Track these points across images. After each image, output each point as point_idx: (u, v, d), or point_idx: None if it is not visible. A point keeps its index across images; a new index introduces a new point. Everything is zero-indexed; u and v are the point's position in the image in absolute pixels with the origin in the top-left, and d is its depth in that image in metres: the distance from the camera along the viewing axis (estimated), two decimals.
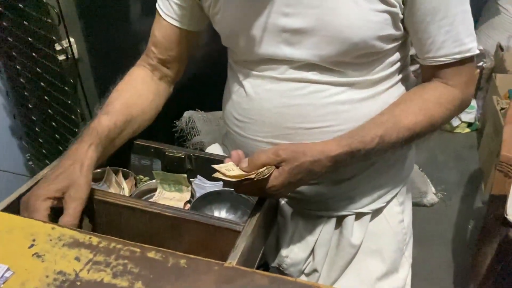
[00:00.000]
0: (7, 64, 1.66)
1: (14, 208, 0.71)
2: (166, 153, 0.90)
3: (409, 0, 0.73)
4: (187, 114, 1.50)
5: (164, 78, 0.94)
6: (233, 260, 0.62)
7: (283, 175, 0.69)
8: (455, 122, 2.50)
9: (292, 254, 0.92)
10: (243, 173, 0.69)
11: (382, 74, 0.81)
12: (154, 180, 0.91)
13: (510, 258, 1.24)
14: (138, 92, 0.90)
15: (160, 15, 0.88)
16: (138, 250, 0.61)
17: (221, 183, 0.88)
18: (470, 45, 0.76)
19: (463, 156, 2.36)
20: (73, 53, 1.31)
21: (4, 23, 1.50)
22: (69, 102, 1.41)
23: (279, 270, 0.94)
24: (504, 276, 1.23)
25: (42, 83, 1.49)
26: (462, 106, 0.82)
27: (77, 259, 0.60)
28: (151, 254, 0.61)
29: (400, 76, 0.85)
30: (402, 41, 0.81)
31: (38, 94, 1.58)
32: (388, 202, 0.92)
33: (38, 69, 1.46)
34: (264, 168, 0.68)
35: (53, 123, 1.58)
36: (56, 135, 1.61)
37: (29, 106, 1.67)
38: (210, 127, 1.42)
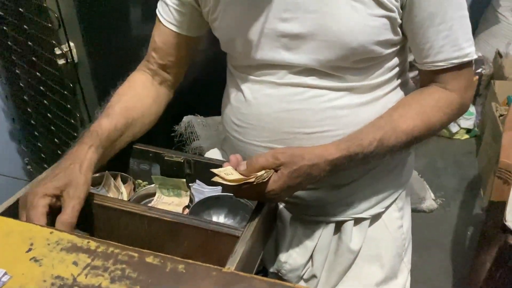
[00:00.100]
0: (7, 68, 1.66)
1: (12, 212, 0.71)
2: (165, 158, 0.90)
3: (407, 5, 0.74)
4: (186, 119, 1.50)
5: (164, 83, 0.94)
6: (231, 265, 0.62)
7: (282, 179, 0.69)
8: (454, 128, 2.50)
9: (291, 259, 0.92)
10: (242, 177, 0.69)
11: (381, 79, 0.81)
12: (152, 185, 0.91)
13: (509, 265, 1.24)
14: (138, 96, 0.90)
15: (160, 21, 0.89)
16: (136, 255, 0.61)
17: (220, 188, 0.88)
18: (468, 49, 0.77)
19: (462, 162, 2.36)
20: (72, 58, 1.32)
21: (4, 27, 1.50)
22: (69, 106, 1.41)
23: (278, 276, 0.94)
24: (504, 282, 1.23)
25: (41, 87, 1.49)
26: (461, 110, 0.82)
27: (75, 263, 0.60)
28: (149, 259, 0.61)
29: (399, 81, 0.86)
30: (401, 46, 0.81)
31: (37, 98, 1.58)
32: (387, 208, 0.92)
33: (37, 73, 1.46)
34: (263, 171, 0.68)
35: (52, 127, 1.58)
36: (55, 139, 1.61)
37: (29, 110, 1.67)
38: (209, 132, 1.42)
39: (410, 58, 0.86)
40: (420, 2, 0.73)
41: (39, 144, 1.74)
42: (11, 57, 1.58)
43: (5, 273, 0.57)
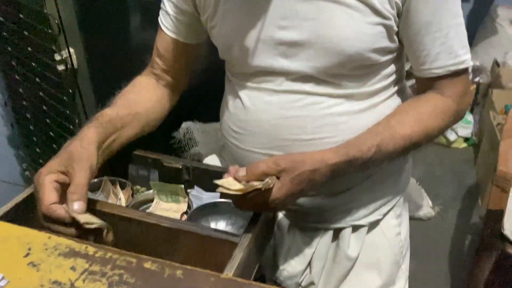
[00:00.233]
0: (6, 74, 1.67)
1: (10, 217, 0.71)
2: (164, 164, 0.90)
3: (403, 13, 0.74)
4: (185, 125, 1.50)
5: (169, 86, 0.95)
6: (229, 272, 0.62)
7: (286, 186, 0.68)
8: (452, 136, 2.51)
9: (289, 266, 0.92)
10: (248, 185, 0.67)
11: (378, 86, 0.82)
12: (151, 191, 0.91)
13: (507, 273, 1.23)
14: (142, 93, 0.90)
15: (162, 29, 0.90)
16: (134, 260, 0.61)
17: (218, 194, 0.88)
18: (464, 57, 0.77)
19: (460, 170, 2.37)
20: (72, 64, 1.32)
21: (4, 33, 1.51)
22: (67, 112, 1.41)
23: (276, 283, 0.93)
24: None
25: (40, 93, 1.49)
26: (457, 117, 0.83)
27: (73, 268, 0.59)
28: (147, 265, 0.61)
29: (396, 88, 0.86)
30: (398, 54, 0.82)
31: (36, 104, 1.58)
32: (385, 215, 0.92)
33: (37, 79, 1.47)
34: (268, 178, 0.67)
35: (51, 133, 1.58)
36: (54, 145, 1.61)
37: (27, 115, 1.67)
38: (208, 138, 1.42)
39: (408, 66, 0.86)
40: (416, 10, 0.73)
41: (37, 149, 1.74)
42: (10, 63, 1.58)
43: (3, 278, 0.57)
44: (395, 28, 0.76)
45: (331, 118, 0.80)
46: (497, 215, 1.29)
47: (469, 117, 2.53)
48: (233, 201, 0.71)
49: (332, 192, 0.87)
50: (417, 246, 1.23)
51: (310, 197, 0.87)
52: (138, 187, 0.94)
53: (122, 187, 0.90)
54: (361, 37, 0.74)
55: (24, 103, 1.64)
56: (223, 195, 0.70)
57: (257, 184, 0.66)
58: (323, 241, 0.91)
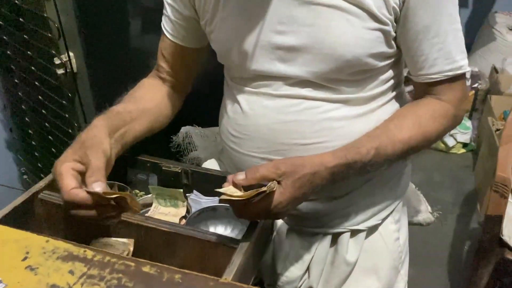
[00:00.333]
0: (5, 77, 1.67)
1: (8, 220, 0.70)
2: (163, 168, 0.90)
3: (401, 19, 0.75)
4: (184, 129, 1.50)
5: (174, 88, 0.96)
6: (228, 276, 0.62)
7: (288, 190, 0.68)
8: (451, 142, 2.51)
9: (288, 271, 0.91)
10: (251, 191, 0.65)
11: (376, 91, 0.82)
12: (149, 195, 0.91)
13: (507, 279, 1.23)
14: (148, 92, 0.91)
15: (165, 35, 0.90)
16: (132, 264, 0.61)
17: (217, 199, 0.88)
18: (462, 62, 0.78)
19: (458, 176, 2.37)
20: (72, 68, 1.32)
21: (4, 37, 1.51)
22: (67, 116, 1.42)
23: None
24: None
25: (40, 97, 1.49)
26: (455, 122, 0.83)
27: (71, 272, 0.59)
28: (146, 269, 0.60)
29: (394, 93, 0.86)
30: (396, 59, 0.82)
31: (35, 108, 1.58)
32: (383, 220, 0.92)
33: (36, 83, 1.47)
34: (270, 182, 0.66)
35: (50, 137, 1.58)
36: (52, 149, 1.61)
37: (26, 119, 1.67)
38: (207, 142, 1.42)
39: (406, 72, 0.87)
40: (414, 15, 0.74)
41: (36, 153, 1.74)
42: (10, 66, 1.58)
43: (1, 282, 0.57)
44: (393, 34, 0.76)
45: (328, 123, 0.80)
46: (496, 221, 1.29)
47: (467, 123, 2.53)
48: (234, 210, 0.70)
49: (330, 196, 0.87)
50: (416, 251, 1.23)
51: (309, 202, 0.87)
52: (137, 191, 0.94)
53: (121, 191, 0.90)
54: (359, 42, 0.74)
55: (23, 106, 1.64)
56: (224, 202, 0.68)
57: (261, 188, 0.65)
58: (321, 246, 0.91)
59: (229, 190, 0.66)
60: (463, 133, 2.50)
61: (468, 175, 2.36)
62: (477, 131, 2.56)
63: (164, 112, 0.91)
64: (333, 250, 0.91)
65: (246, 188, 0.67)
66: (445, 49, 0.76)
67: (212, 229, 0.86)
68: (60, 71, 1.32)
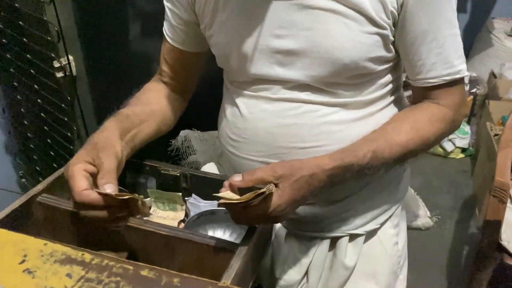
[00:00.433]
0: (5, 80, 1.67)
1: (6, 223, 0.70)
2: (162, 171, 0.90)
3: (399, 23, 0.75)
4: (183, 133, 1.50)
5: (178, 91, 0.96)
6: (227, 280, 0.62)
7: (286, 192, 0.67)
8: (449, 147, 2.52)
9: (286, 275, 0.91)
10: (248, 194, 0.64)
11: (375, 95, 0.82)
12: (148, 198, 0.90)
13: (505, 284, 1.23)
14: (153, 95, 0.92)
15: (167, 40, 0.91)
16: (131, 267, 0.61)
17: (215, 202, 0.88)
18: (460, 67, 0.78)
19: (457, 181, 2.37)
20: (71, 71, 1.32)
21: (4, 40, 1.51)
22: (65, 119, 1.41)
23: None
24: None
25: (39, 100, 1.49)
26: (453, 126, 0.83)
27: (69, 275, 0.59)
28: (144, 272, 0.60)
29: (393, 97, 0.86)
30: (394, 63, 0.82)
31: (34, 111, 1.58)
32: (382, 224, 0.92)
33: (35, 86, 1.47)
34: (268, 185, 0.66)
35: (48, 140, 1.58)
36: (51, 152, 1.61)
37: (25, 122, 1.67)
38: (206, 146, 1.42)
39: (405, 76, 0.87)
40: (412, 19, 0.74)
41: (34, 157, 1.74)
42: (9, 70, 1.59)
43: None
44: (391, 38, 0.76)
45: (327, 127, 0.80)
46: (495, 226, 1.29)
47: (466, 128, 2.54)
48: (232, 215, 0.69)
49: (329, 200, 0.87)
50: (415, 256, 1.23)
51: (307, 206, 0.87)
52: (136, 194, 0.94)
53: None
54: (357, 46, 0.74)
55: (22, 110, 1.64)
56: (223, 206, 0.68)
57: (260, 190, 0.64)
58: (320, 250, 0.90)
59: (227, 194, 0.66)
60: (462, 138, 2.51)
61: (467, 180, 2.37)
62: (476, 136, 2.57)
63: (169, 115, 0.92)
64: (331, 254, 0.91)
65: (242, 192, 0.67)
66: (443, 53, 0.76)
67: (210, 233, 0.86)
68: (60, 75, 1.32)
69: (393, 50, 0.79)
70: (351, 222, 0.89)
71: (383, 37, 0.75)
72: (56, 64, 1.31)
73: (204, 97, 1.22)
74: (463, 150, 2.55)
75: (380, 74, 0.81)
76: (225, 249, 0.69)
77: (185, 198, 0.90)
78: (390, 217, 0.93)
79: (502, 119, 2.32)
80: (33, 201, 0.77)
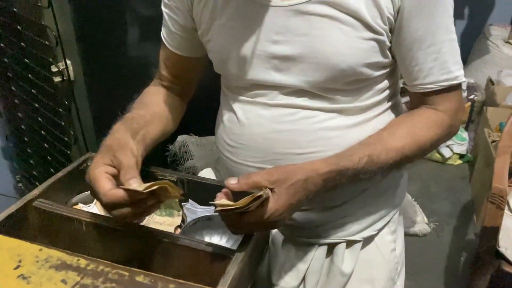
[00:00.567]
0: (2, 85, 1.67)
1: (1, 228, 0.70)
2: (158, 177, 0.90)
3: (396, 29, 0.75)
4: (180, 138, 1.51)
5: (178, 95, 0.96)
6: (223, 286, 0.61)
7: (282, 197, 0.67)
8: (447, 153, 2.52)
9: (283, 282, 0.91)
10: (244, 199, 0.64)
11: (372, 101, 0.82)
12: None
13: None
14: (155, 97, 0.92)
15: (166, 45, 0.91)
16: (126, 273, 0.60)
17: (212, 208, 0.87)
18: (457, 73, 0.78)
19: (455, 187, 2.37)
20: (69, 75, 1.32)
21: (1, 44, 1.51)
22: (63, 123, 1.41)
23: None
24: None
25: (36, 104, 1.49)
26: (450, 132, 0.83)
27: (64, 281, 0.59)
28: (139, 278, 0.60)
29: (390, 103, 0.87)
30: (391, 69, 0.82)
31: (31, 115, 1.57)
32: (379, 230, 0.92)
33: (33, 90, 1.47)
34: (264, 189, 0.66)
35: (45, 145, 1.58)
36: (48, 157, 1.60)
37: (22, 127, 1.67)
38: (203, 151, 1.42)
39: (402, 82, 0.87)
40: (409, 25, 0.74)
41: (31, 161, 1.73)
42: (6, 74, 1.58)
43: None
44: (388, 44, 0.76)
45: (323, 133, 0.80)
46: (493, 232, 1.29)
47: (464, 134, 2.54)
48: (229, 224, 0.69)
49: (326, 206, 0.87)
50: (413, 262, 1.23)
51: (304, 212, 0.86)
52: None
53: None
54: (354, 52, 0.74)
55: (19, 114, 1.64)
56: (219, 213, 0.67)
57: (255, 194, 0.63)
58: (317, 257, 0.90)
59: (223, 202, 0.66)
60: (460, 144, 2.51)
61: (465, 186, 2.37)
62: (474, 142, 2.58)
63: (171, 117, 0.92)
64: (328, 260, 0.91)
65: (237, 200, 0.65)
66: (440, 59, 0.76)
67: (207, 239, 0.86)
68: (57, 79, 1.32)
69: (390, 55, 0.79)
70: (348, 228, 0.88)
71: (380, 43, 0.75)
72: (54, 69, 1.31)
73: (201, 102, 1.22)
74: (461, 156, 2.55)
75: (377, 80, 0.81)
76: (221, 255, 0.69)
77: (182, 204, 0.90)
78: (387, 223, 0.93)
79: (499, 126, 2.33)
80: (29, 206, 0.77)
